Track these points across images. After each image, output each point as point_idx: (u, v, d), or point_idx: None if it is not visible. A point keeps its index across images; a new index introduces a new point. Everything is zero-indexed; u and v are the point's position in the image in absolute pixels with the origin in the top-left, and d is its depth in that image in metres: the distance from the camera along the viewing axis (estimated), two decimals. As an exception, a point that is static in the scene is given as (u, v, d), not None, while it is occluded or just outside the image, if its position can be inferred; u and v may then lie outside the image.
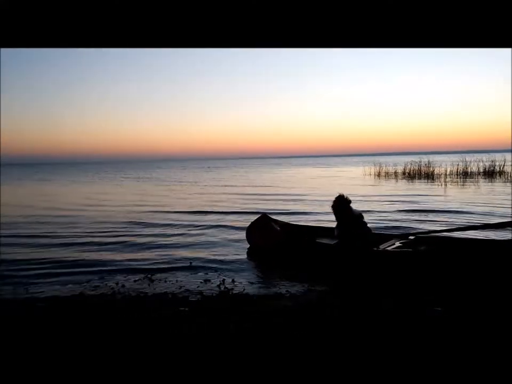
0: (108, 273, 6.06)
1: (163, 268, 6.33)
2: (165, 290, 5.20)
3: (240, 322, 3.86)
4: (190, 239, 8.59)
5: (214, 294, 5.02)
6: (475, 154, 28.47)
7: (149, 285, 5.48)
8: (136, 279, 5.74)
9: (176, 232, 9.42)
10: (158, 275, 5.91)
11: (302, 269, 6.10)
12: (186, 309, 4.41)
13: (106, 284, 5.52)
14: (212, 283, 5.52)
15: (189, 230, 9.63)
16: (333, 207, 6.11)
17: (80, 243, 8.34)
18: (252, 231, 7.47)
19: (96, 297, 4.99)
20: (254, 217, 7.81)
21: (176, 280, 5.68)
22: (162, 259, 6.89)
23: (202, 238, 8.66)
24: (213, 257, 6.91)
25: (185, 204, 15.19)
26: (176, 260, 6.84)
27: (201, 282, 5.56)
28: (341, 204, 6.03)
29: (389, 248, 5.74)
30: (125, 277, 5.86)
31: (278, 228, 7.16)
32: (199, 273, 5.99)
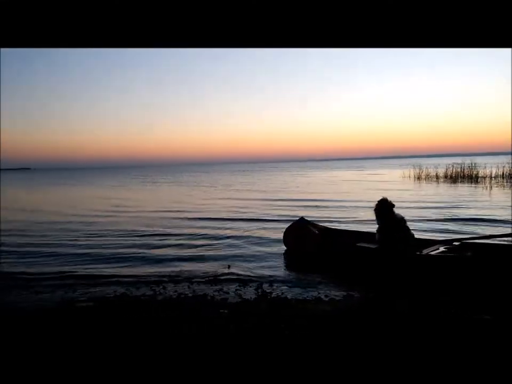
0: (149, 275, 6.22)
1: (201, 270, 6.42)
2: (204, 293, 5.26)
3: (278, 326, 3.84)
4: (228, 243, 8.67)
5: (252, 297, 5.03)
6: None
7: (188, 287, 5.57)
8: (176, 281, 5.85)
9: (213, 235, 9.54)
10: (197, 277, 6.00)
11: (341, 273, 6.01)
12: (226, 311, 4.44)
13: (147, 286, 5.65)
14: (250, 286, 5.53)
15: (227, 234, 9.72)
16: (376, 210, 6.00)
17: (127, 243, 8.64)
18: (289, 234, 7.44)
19: (138, 297, 5.11)
20: (292, 221, 7.77)
21: (215, 282, 5.73)
22: (199, 261, 6.99)
23: (240, 241, 8.72)
24: (250, 261, 6.94)
25: (224, 207, 15.35)
26: (214, 262, 6.91)
27: (239, 285, 5.58)
28: (384, 208, 5.90)
29: (432, 253, 5.55)
30: (165, 279, 5.98)
31: (316, 232, 7.09)
32: (237, 276, 6.02)
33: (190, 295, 5.21)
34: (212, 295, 5.15)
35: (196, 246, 8.38)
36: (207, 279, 5.94)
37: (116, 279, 6.03)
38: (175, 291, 5.38)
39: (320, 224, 7.83)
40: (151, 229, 10.58)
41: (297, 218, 7.78)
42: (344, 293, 5.05)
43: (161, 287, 5.58)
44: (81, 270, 6.60)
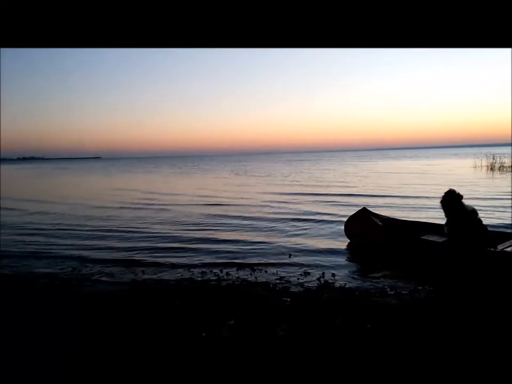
0: (213, 260, 6.45)
1: (263, 258, 6.52)
2: (266, 280, 5.35)
3: (340, 318, 3.81)
4: (289, 231, 8.71)
5: (314, 287, 5.02)
6: None
7: (251, 274, 5.68)
8: (239, 268, 5.99)
9: (275, 224, 9.61)
10: (259, 265, 6.10)
11: (407, 266, 5.81)
12: (288, 299, 4.48)
13: (211, 271, 5.85)
14: (312, 276, 5.53)
15: (288, 222, 9.76)
16: (442, 202, 5.69)
17: (193, 229, 9.00)
18: (350, 224, 7.30)
19: (204, 282, 5.31)
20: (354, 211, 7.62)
21: (277, 271, 5.79)
22: (262, 249, 7.09)
23: (302, 231, 8.72)
24: (311, 250, 6.92)
25: (287, 196, 15.38)
26: (276, 251, 6.98)
27: (300, 274, 5.60)
28: (452, 199, 5.59)
29: (508, 249, 5.19)
30: (229, 265, 6.15)
31: (379, 222, 6.90)
32: (298, 265, 6.04)
33: (252, 281, 5.32)
34: (274, 283, 5.22)
35: (259, 233, 8.52)
36: (268, 266, 6.02)
37: (182, 263, 6.30)
38: (238, 277, 5.52)
39: (382, 214, 7.59)
40: (219, 216, 10.94)
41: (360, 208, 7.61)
42: (410, 287, 4.89)
43: (224, 272, 5.75)
44: (148, 254, 6.98)
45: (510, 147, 40.02)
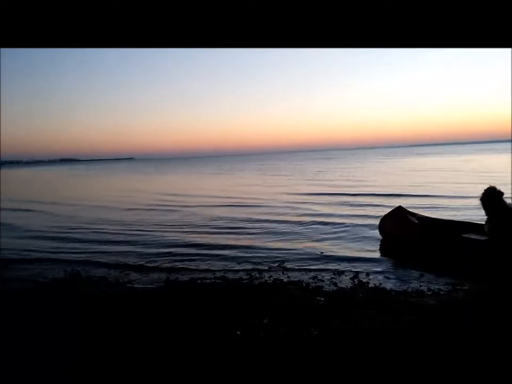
0: (246, 259, 6.49)
1: (295, 256, 6.48)
2: (299, 279, 5.31)
3: (377, 319, 3.73)
4: (321, 230, 8.62)
5: (348, 286, 4.95)
6: None
7: (283, 272, 5.66)
8: (271, 266, 5.97)
9: (307, 221, 9.55)
10: (291, 263, 6.07)
11: (445, 266, 5.61)
12: (322, 299, 4.43)
13: (244, 269, 5.87)
14: (345, 275, 5.44)
15: (321, 220, 9.66)
16: (482, 200, 5.46)
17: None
18: (385, 223, 7.14)
19: (236, 281, 5.33)
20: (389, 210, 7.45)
21: (309, 269, 5.75)
22: (294, 248, 7.05)
23: (334, 229, 8.61)
24: (344, 249, 6.83)
25: (323, 197, 15.26)
26: (307, 249, 6.92)
27: (333, 274, 5.52)
28: (492, 197, 5.36)
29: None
30: (260, 263, 6.15)
31: (416, 221, 6.71)
32: (331, 264, 5.97)
33: (285, 280, 5.29)
34: (306, 281, 5.17)
35: (292, 233, 8.49)
36: (300, 265, 5.98)
37: (214, 262, 6.36)
38: (270, 276, 5.50)
39: (420, 213, 7.37)
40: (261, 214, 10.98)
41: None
42: (449, 287, 4.73)
43: (256, 271, 5.75)
44: (182, 252, 7.08)
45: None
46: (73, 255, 7.14)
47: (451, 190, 14.13)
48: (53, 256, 7.14)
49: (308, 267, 5.88)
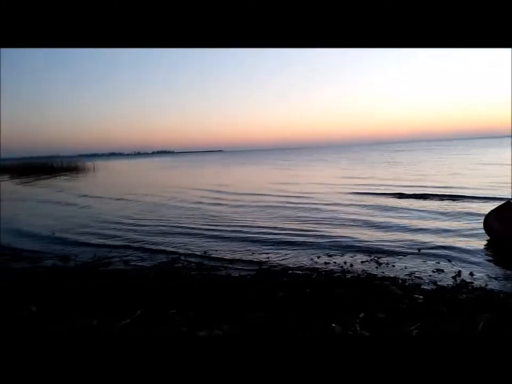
0: (337, 250, 6.43)
1: (390, 251, 6.25)
2: (394, 275, 5.11)
3: (484, 321, 3.45)
4: (419, 224, 8.16)
5: (449, 286, 4.64)
6: None
7: (376, 267, 5.49)
8: (364, 260, 5.84)
9: (406, 215, 9.13)
10: (385, 258, 5.86)
11: None
12: (420, 296, 4.22)
13: (335, 262, 5.81)
14: (446, 273, 5.11)
15: (419, 214, 9.18)
16: None
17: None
18: (491, 219, 6.54)
19: (328, 273, 5.29)
20: (495, 205, 6.81)
21: (405, 266, 5.49)
22: (389, 242, 6.80)
23: (434, 224, 8.11)
24: (444, 245, 6.39)
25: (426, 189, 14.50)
26: (404, 244, 6.62)
27: (432, 271, 5.22)
28: None
29: None
30: (353, 256, 6.04)
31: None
32: (430, 261, 5.64)
33: (379, 275, 5.13)
34: (403, 278, 4.96)
35: (388, 227, 8.19)
36: (395, 260, 5.74)
37: (303, 251, 6.38)
38: (363, 270, 5.37)
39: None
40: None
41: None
42: None
43: (348, 264, 5.66)
44: (274, 239, 7.21)
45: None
46: (178, 244, 7.64)
47: None
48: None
49: (404, 263, 5.62)
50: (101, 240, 7.91)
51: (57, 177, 31.36)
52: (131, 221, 10.01)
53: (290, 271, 5.46)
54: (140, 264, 6.17)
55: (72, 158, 56.57)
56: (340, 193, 13.75)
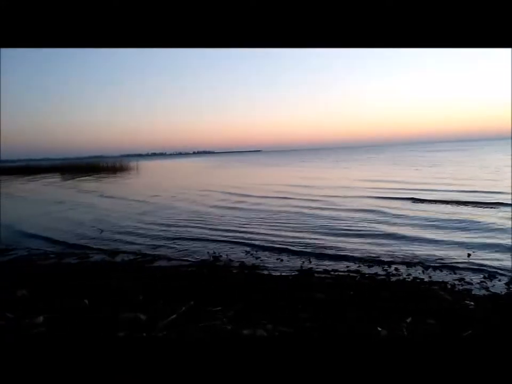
0: (381, 254, 6.27)
1: (436, 255, 6.01)
2: (443, 280, 4.92)
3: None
4: (468, 228, 7.81)
5: (503, 293, 4.44)
6: None
7: (423, 272, 5.31)
8: (409, 264, 5.65)
9: (456, 219, 8.76)
10: (432, 263, 5.66)
11: None
12: (472, 303, 4.04)
13: (379, 265, 5.67)
14: (498, 280, 4.89)
15: (471, 220, 8.75)
16: None
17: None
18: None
19: (371, 276, 5.18)
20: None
21: (454, 271, 5.28)
22: (436, 246, 6.55)
23: (487, 233, 7.67)
24: (496, 251, 6.07)
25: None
26: (451, 249, 6.35)
27: (484, 277, 5.00)
28: None
29: None
30: (398, 260, 5.87)
31: None
32: (480, 266, 5.38)
33: (426, 280, 4.96)
34: (452, 283, 4.77)
35: (435, 227, 7.92)
36: (443, 265, 5.53)
37: (349, 254, 6.28)
38: (409, 274, 5.22)
39: None
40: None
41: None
42: None
43: (393, 268, 5.51)
44: (318, 242, 7.14)
45: None
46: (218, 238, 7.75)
47: None
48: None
49: (452, 268, 5.40)
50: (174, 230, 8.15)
51: (103, 177, 32.60)
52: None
53: (332, 273, 5.39)
54: (183, 259, 6.35)
55: (116, 158, 58.61)
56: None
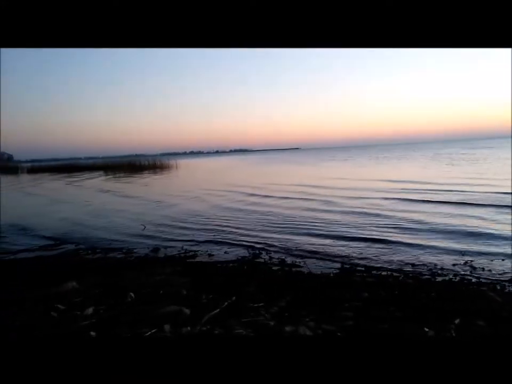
0: (426, 251, 6.12)
1: (488, 255, 5.77)
2: (492, 280, 4.73)
3: None
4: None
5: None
6: None
7: (471, 272, 5.10)
8: (455, 263, 5.47)
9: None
10: (480, 261, 5.44)
11: None
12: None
13: (424, 264, 5.52)
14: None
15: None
16: None
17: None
18: None
19: (415, 275, 5.05)
20: None
21: (503, 271, 5.05)
22: (483, 245, 6.30)
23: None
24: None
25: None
26: (504, 245, 6.09)
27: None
28: None
29: None
30: (441, 258, 5.70)
31: None
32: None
33: (473, 280, 4.78)
34: (502, 284, 4.56)
35: (484, 223, 7.61)
36: (492, 265, 5.30)
37: (392, 252, 6.15)
38: (456, 274, 5.04)
39: None
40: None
41: None
42: None
43: (439, 267, 5.34)
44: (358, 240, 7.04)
45: None
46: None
47: None
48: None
49: (503, 267, 5.17)
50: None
51: (145, 175, 33.54)
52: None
53: (374, 271, 5.30)
54: (222, 256, 6.45)
55: (155, 157, 59.90)
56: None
